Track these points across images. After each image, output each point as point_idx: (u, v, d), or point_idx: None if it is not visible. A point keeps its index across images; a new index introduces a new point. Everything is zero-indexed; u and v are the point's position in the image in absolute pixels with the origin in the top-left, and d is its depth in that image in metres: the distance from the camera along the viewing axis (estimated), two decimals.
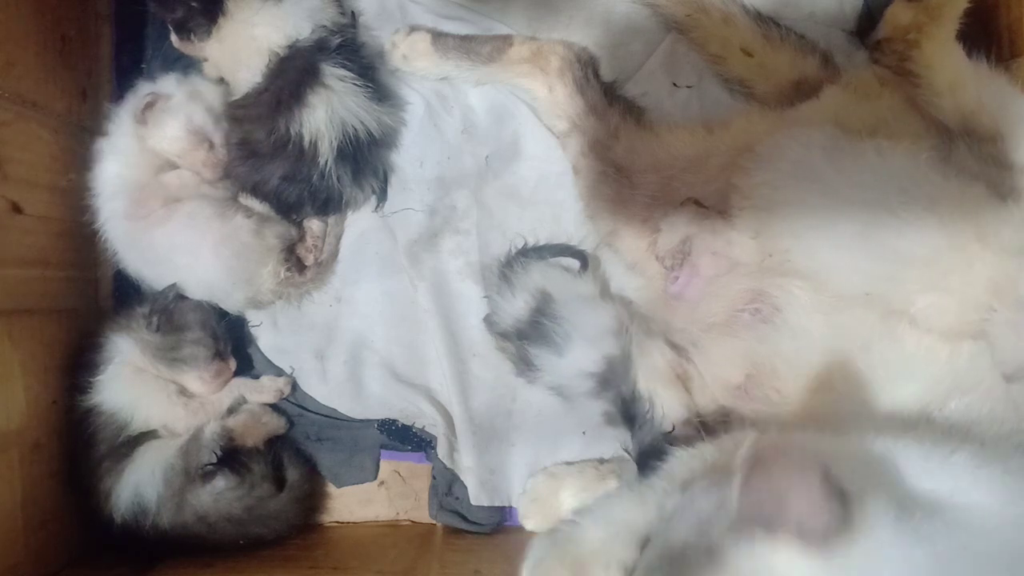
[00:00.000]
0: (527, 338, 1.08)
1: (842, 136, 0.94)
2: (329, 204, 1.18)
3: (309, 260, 1.20)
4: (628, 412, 1.02)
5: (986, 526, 0.62)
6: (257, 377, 1.21)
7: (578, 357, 1.04)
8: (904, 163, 0.89)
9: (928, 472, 0.66)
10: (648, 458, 0.98)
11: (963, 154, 0.88)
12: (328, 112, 1.11)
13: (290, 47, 1.11)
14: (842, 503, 0.54)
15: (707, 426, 0.97)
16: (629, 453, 1.03)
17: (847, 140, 0.93)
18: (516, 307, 1.09)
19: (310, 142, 1.11)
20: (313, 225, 1.20)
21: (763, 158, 0.97)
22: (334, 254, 1.23)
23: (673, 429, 0.99)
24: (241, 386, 1.18)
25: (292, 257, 1.18)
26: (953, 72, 0.89)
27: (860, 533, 0.55)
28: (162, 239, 1.12)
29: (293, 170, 1.12)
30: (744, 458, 0.56)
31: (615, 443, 1.09)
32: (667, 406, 0.99)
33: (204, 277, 1.13)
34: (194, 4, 1.11)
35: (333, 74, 1.11)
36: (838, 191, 0.90)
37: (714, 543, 0.57)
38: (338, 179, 1.14)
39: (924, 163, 0.88)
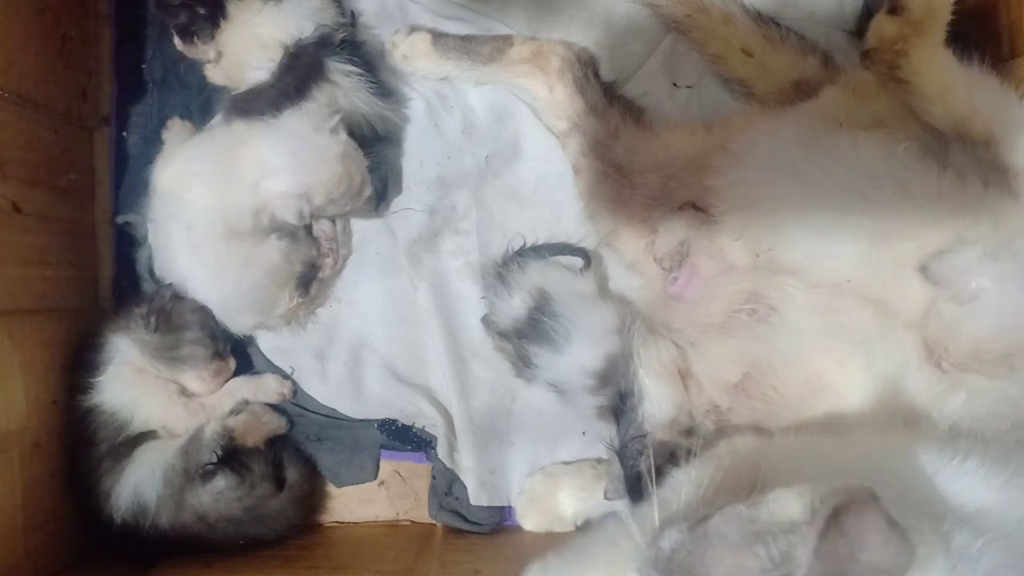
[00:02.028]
0: (526, 337, 1.08)
1: (818, 128, 0.94)
2: None
3: (327, 267, 1.20)
4: (620, 407, 1.02)
5: (1003, 529, 0.62)
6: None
7: (579, 354, 1.05)
8: (880, 152, 0.90)
9: (949, 480, 0.66)
10: (627, 454, 0.99)
11: (959, 157, 0.88)
12: (333, 107, 1.11)
13: (296, 44, 1.11)
14: (905, 542, 0.53)
15: (691, 431, 0.97)
16: (612, 447, 1.03)
17: (823, 132, 0.94)
18: (514, 307, 1.10)
19: None
20: (324, 227, 1.20)
21: (737, 155, 0.98)
22: (338, 269, 1.23)
23: (647, 434, 0.99)
24: (243, 386, 1.18)
25: (304, 281, 1.18)
26: (943, 79, 0.89)
27: (920, 565, 0.55)
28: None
29: None
30: (823, 514, 0.53)
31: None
32: (659, 403, 0.99)
33: (224, 293, 1.12)
34: (199, 10, 1.12)
35: (339, 70, 1.12)
36: (814, 181, 0.90)
37: None
38: None
39: (901, 152, 0.89)
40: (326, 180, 1.08)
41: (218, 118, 1.22)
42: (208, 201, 1.08)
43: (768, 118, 1.02)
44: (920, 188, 0.86)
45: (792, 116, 0.99)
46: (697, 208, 1.03)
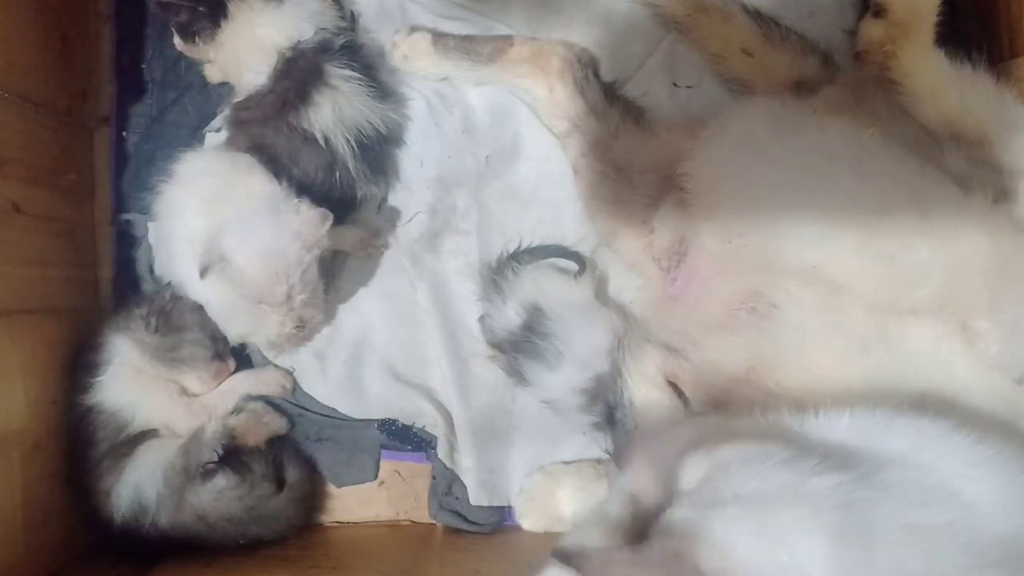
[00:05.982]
0: (520, 351, 1.08)
1: (789, 109, 0.95)
2: (343, 205, 1.16)
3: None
4: (611, 418, 1.03)
5: (980, 515, 0.62)
6: None
7: (569, 375, 1.05)
8: (844, 134, 0.90)
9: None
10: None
11: (953, 157, 0.88)
12: (336, 111, 1.11)
13: (294, 48, 1.11)
14: None
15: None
16: (610, 454, 1.04)
17: (791, 114, 0.94)
18: (508, 317, 1.10)
19: (324, 138, 1.11)
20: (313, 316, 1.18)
21: (707, 138, 0.98)
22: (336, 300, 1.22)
23: (636, 428, 0.99)
24: (244, 380, 1.18)
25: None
26: (934, 79, 0.90)
27: None
28: None
29: (328, 161, 1.12)
30: None
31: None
32: (647, 408, 0.99)
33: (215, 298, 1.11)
34: (200, 8, 1.12)
35: (338, 74, 1.12)
36: (778, 161, 0.90)
37: None
38: (356, 177, 1.14)
39: (867, 137, 0.89)
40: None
41: (219, 120, 1.22)
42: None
43: (742, 103, 1.02)
44: (878, 170, 0.86)
45: (766, 101, 0.99)
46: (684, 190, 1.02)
